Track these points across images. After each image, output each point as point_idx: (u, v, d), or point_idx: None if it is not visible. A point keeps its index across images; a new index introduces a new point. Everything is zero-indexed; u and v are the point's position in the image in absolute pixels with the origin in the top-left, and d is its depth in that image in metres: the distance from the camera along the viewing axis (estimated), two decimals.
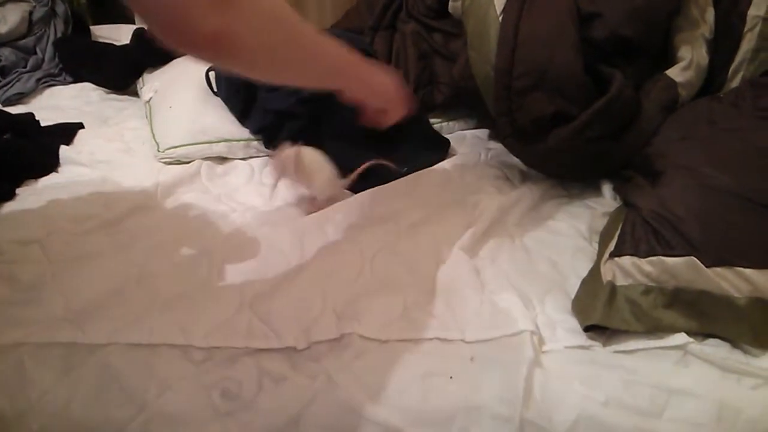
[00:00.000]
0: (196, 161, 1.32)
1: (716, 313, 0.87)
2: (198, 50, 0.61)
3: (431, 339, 0.86)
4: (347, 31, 1.63)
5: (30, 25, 1.86)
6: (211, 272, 0.98)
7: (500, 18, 1.22)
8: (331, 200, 1.19)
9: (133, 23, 2.61)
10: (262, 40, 0.64)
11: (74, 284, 0.93)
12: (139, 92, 1.61)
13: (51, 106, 1.62)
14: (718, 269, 0.86)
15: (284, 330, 0.86)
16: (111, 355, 0.81)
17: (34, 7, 1.87)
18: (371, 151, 1.31)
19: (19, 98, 1.66)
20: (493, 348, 0.85)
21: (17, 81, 1.71)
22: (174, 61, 1.62)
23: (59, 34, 1.91)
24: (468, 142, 1.51)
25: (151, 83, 1.56)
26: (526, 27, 1.21)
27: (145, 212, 1.14)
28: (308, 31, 0.73)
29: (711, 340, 0.87)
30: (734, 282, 0.85)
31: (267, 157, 1.37)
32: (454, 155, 1.42)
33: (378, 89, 0.94)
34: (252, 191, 1.26)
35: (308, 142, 1.32)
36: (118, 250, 1.01)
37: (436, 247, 1.06)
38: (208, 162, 1.33)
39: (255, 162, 1.36)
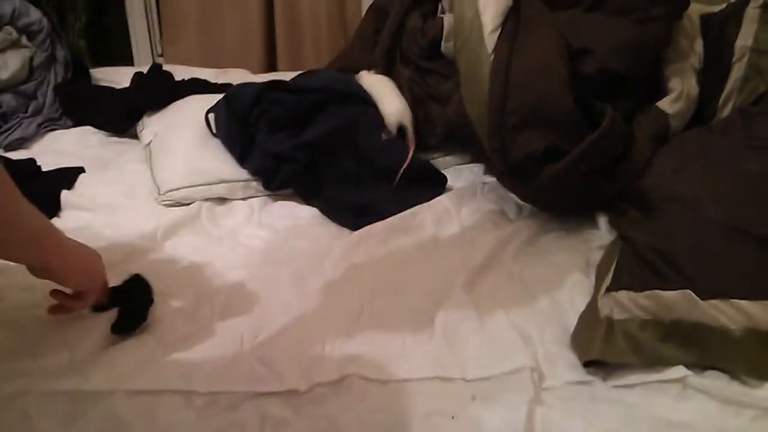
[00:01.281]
0: (196, 203, 1.34)
1: (713, 345, 0.88)
2: None
3: (432, 378, 0.86)
4: (343, 71, 1.66)
5: (31, 70, 1.88)
6: (213, 315, 0.99)
7: (491, 56, 1.25)
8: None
9: (133, 65, 2.67)
10: None
11: (77, 330, 0.93)
12: (139, 135, 1.63)
13: (52, 150, 1.64)
14: (714, 301, 0.87)
15: (286, 372, 0.86)
16: (115, 402, 0.82)
17: (35, 52, 1.90)
18: (367, 193, 1.33)
19: (21, 143, 1.68)
20: (493, 386, 0.85)
21: (18, 126, 1.73)
22: (174, 104, 1.64)
23: (60, 79, 1.93)
24: (464, 176, 1.53)
25: (151, 126, 1.58)
26: (518, 65, 1.23)
27: (146, 255, 1.15)
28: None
29: (709, 373, 0.88)
30: (730, 314, 0.86)
31: (266, 196, 1.39)
32: (450, 189, 1.44)
33: (77, 269, 0.88)
34: (252, 231, 1.27)
35: (305, 186, 1.35)
36: None
37: (435, 284, 1.07)
38: (208, 203, 1.35)
39: (255, 202, 1.38)
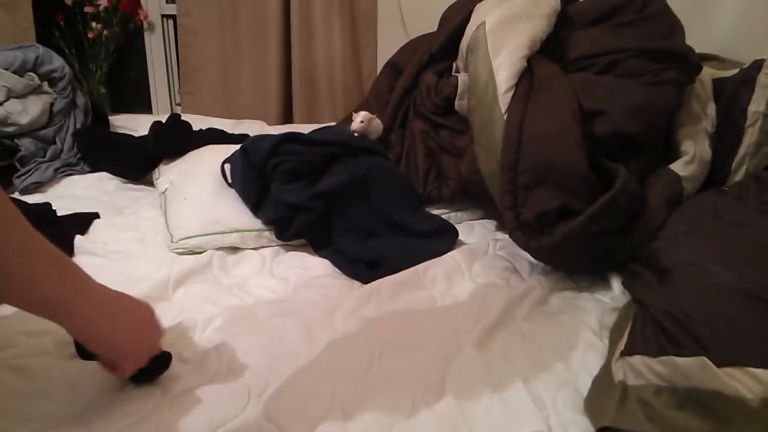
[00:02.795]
0: (208, 251, 1.34)
1: (729, 415, 0.85)
2: None
3: None
4: None
5: (51, 116, 1.92)
6: (220, 368, 0.98)
7: (505, 116, 1.27)
8: None
9: (151, 113, 2.72)
10: None
11: (83, 379, 0.92)
12: (154, 183, 1.65)
13: (67, 195, 1.67)
14: (729, 369, 0.85)
15: (291, 429, 0.85)
16: None
17: (56, 98, 1.95)
18: (380, 244, 1.33)
19: (37, 187, 1.70)
20: None
21: (36, 170, 1.76)
22: (190, 153, 1.67)
23: (78, 125, 1.97)
24: (476, 231, 1.53)
25: (167, 174, 1.60)
26: (531, 125, 1.25)
27: (157, 304, 1.13)
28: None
29: None
30: (746, 382, 0.84)
31: (278, 247, 1.40)
32: (462, 245, 1.44)
33: (106, 336, 0.78)
34: (262, 282, 1.27)
35: (318, 236, 1.35)
36: None
37: (446, 341, 1.06)
38: (220, 252, 1.35)
39: (266, 252, 1.38)
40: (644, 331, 0.95)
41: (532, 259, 1.35)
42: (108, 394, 0.90)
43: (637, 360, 0.91)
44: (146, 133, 1.81)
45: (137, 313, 0.84)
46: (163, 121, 1.82)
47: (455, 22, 1.63)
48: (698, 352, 0.87)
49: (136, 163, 1.74)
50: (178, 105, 2.81)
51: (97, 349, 0.79)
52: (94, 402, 0.88)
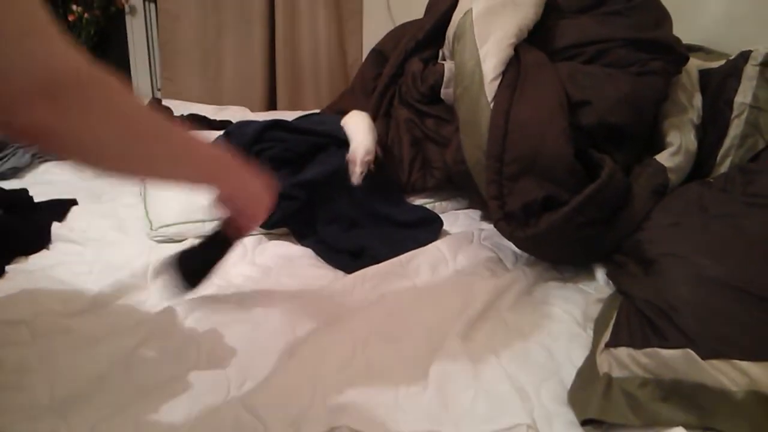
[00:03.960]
0: (188, 240, 1.32)
1: (714, 407, 0.85)
2: (20, 137, 0.59)
3: None
4: (342, 113, 1.66)
5: None
6: (199, 358, 0.96)
7: (491, 105, 1.25)
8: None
9: None
10: (95, 137, 0.61)
11: (60, 369, 0.90)
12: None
13: (45, 181, 1.63)
14: (714, 362, 0.85)
15: (273, 422, 0.83)
16: None
17: None
18: (363, 234, 1.32)
19: (14, 173, 1.66)
20: None
21: (12, 155, 1.71)
22: None
23: None
24: (461, 221, 1.52)
25: None
26: (517, 114, 1.24)
27: (135, 293, 1.13)
28: (171, 130, 0.71)
29: None
30: (731, 375, 0.84)
31: (260, 235, 1.37)
32: (446, 234, 1.43)
33: (251, 191, 0.88)
34: (244, 271, 1.25)
35: (301, 225, 1.33)
36: (106, 334, 0.99)
37: (430, 332, 1.05)
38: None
39: (248, 240, 1.36)
40: (629, 322, 0.94)
41: (516, 249, 1.34)
42: (84, 385, 0.88)
43: (622, 352, 0.90)
44: None
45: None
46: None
47: (442, 8, 1.61)
48: (684, 344, 0.86)
49: None
50: (159, 90, 2.76)
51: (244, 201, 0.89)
52: (70, 393, 0.86)
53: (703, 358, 0.85)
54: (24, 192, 1.49)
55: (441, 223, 1.44)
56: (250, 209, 0.91)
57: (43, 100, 0.54)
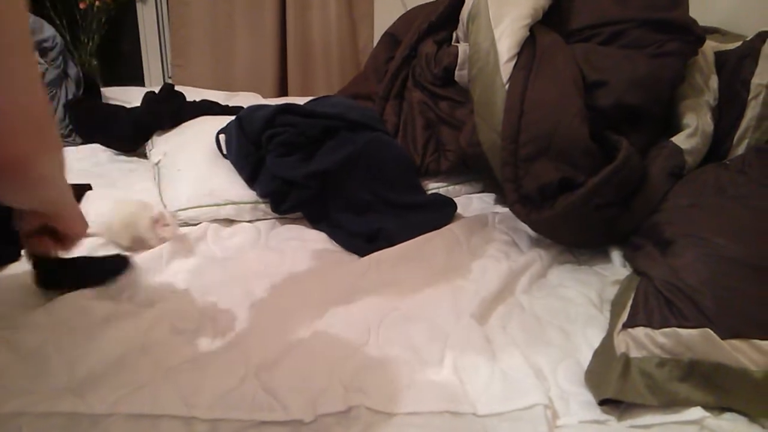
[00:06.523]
0: (203, 224, 1.32)
1: (733, 387, 0.85)
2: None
3: (442, 413, 0.83)
4: (355, 97, 1.66)
5: None
6: (216, 339, 0.96)
7: (506, 86, 1.24)
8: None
9: (143, 86, 2.68)
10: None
11: (77, 352, 0.91)
12: (148, 154, 1.63)
13: None
14: (734, 341, 0.84)
15: (290, 401, 0.83)
16: (112, 426, 0.79)
17: (47, 69, 1.91)
18: (378, 218, 1.31)
19: None
20: (505, 422, 0.82)
21: None
22: (184, 124, 1.64)
23: (70, 96, 1.94)
24: (475, 206, 1.51)
25: (160, 146, 1.57)
26: (533, 95, 1.23)
27: (151, 277, 1.13)
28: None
29: (728, 414, 0.85)
30: (750, 354, 0.84)
31: (274, 219, 1.37)
32: (461, 218, 1.42)
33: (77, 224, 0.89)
34: (258, 254, 1.25)
35: (314, 210, 1.33)
36: (122, 317, 1.00)
37: (445, 314, 1.04)
38: (215, 224, 1.33)
39: (261, 225, 1.36)
40: (647, 303, 0.93)
41: (531, 232, 1.33)
42: (102, 365, 0.88)
43: (640, 332, 0.90)
44: (139, 104, 1.77)
45: None
46: (157, 91, 1.78)
47: None
48: (702, 323, 0.86)
49: (129, 134, 1.70)
50: (170, 78, 2.76)
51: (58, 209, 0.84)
52: (88, 374, 0.87)
53: (721, 338, 0.84)
54: None
55: (455, 206, 1.43)
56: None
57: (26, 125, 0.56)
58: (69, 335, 0.94)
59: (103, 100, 2.08)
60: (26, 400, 0.81)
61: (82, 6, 2.51)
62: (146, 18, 2.70)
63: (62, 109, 1.88)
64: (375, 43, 2.06)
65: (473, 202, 1.52)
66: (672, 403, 0.85)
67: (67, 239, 0.88)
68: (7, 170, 0.58)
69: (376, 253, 1.23)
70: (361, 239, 1.29)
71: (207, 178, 1.39)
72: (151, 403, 0.82)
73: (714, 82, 1.45)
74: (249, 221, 1.38)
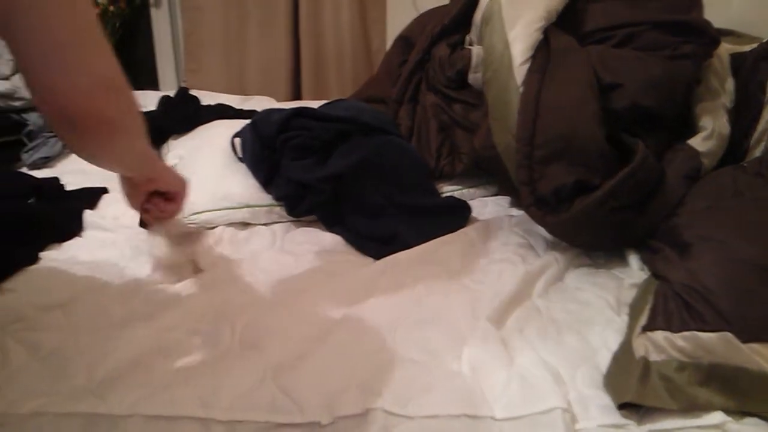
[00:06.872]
0: (218, 227, 1.33)
1: (754, 391, 0.84)
2: (71, 124, 0.65)
3: (459, 416, 0.83)
4: (368, 100, 1.66)
5: None
6: (233, 341, 0.97)
7: (521, 88, 1.24)
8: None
9: (159, 90, 2.69)
10: (127, 126, 0.74)
11: (96, 352, 0.92)
12: (163, 158, 1.63)
13: (76, 170, 1.64)
14: (754, 345, 0.84)
15: (308, 403, 0.84)
16: (131, 427, 0.79)
17: None
18: (393, 221, 1.31)
19: (45, 162, 1.68)
20: (523, 426, 0.82)
21: (43, 145, 1.73)
22: (199, 128, 1.64)
23: None
24: (489, 209, 1.51)
25: (176, 150, 1.58)
26: (547, 97, 1.22)
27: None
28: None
29: (749, 419, 0.84)
30: None
31: (289, 222, 1.38)
32: (476, 221, 1.42)
33: (176, 179, 1.03)
34: (274, 257, 1.25)
35: (329, 214, 1.33)
36: (140, 318, 1.00)
37: (461, 317, 1.04)
38: (231, 228, 1.34)
39: (277, 228, 1.37)
40: (666, 306, 0.93)
41: (547, 235, 1.32)
42: (121, 366, 0.89)
43: (659, 335, 0.89)
44: (155, 108, 1.79)
45: None
46: (172, 95, 1.79)
47: None
48: (722, 327, 0.85)
49: None
50: (184, 82, 2.77)
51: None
52: (107, 375, 0.87)
53: (742, 341, 0.84)
54: (55, 180, 1.50)
55: (470, 209, 1.43)
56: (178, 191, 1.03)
57: (102, 93, 0.65)
58: (88, 336, 0.95)
59: None
60: (46, 401, 0.82)
61: (96, 11, 2.53)
62: (160, 23, 2.72)
63: None
64: (388, 47, 2.06)
65: (488, 205, 1.52)
66: (692, 407, 0.85)
67: (175, 197, 1.03)
68: (102, 129, 0.67)
69: (391, 257, 1.23)
70: (376, 242, 1.29)
71: (223, 181, 1.40)
72: (170, 405, 0.83)
73: (730, 84, 1.45)
74: (264, 224, 1.38)
